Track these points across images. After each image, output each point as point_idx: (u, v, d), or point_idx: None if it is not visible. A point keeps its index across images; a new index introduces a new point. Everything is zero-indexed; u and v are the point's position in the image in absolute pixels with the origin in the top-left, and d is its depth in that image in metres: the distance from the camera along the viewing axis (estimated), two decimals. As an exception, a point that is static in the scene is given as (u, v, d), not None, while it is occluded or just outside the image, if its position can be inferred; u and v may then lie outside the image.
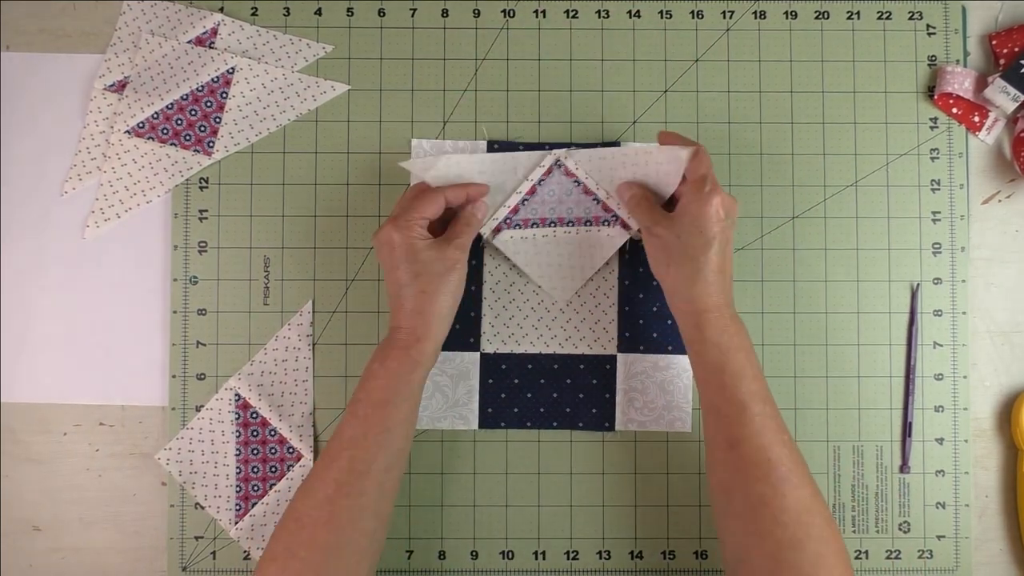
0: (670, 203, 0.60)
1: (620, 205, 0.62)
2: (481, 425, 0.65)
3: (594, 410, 0.65)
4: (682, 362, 0.65)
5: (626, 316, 0.65)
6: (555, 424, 0.65)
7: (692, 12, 0.67)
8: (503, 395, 0.65)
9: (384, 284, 0.65)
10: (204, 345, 0.65)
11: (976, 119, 0.66)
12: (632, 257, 0.65)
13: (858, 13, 0.67)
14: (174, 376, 0.65)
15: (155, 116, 0.65)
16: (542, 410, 0.65)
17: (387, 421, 0.54)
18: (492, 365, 0.65)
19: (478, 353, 0.65)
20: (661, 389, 0.65)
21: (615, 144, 0.66)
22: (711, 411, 0.54)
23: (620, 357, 0.65)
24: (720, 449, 0.53)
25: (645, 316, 0.65)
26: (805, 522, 0.49)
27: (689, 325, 0.55)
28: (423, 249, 0.56)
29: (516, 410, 0.65)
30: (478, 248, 0.65)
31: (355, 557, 0.53)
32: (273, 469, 0.64)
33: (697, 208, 0.54)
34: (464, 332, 0.65)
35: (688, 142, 0.58)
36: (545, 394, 0.65)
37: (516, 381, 0.65)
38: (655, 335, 0.65)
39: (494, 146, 0.66)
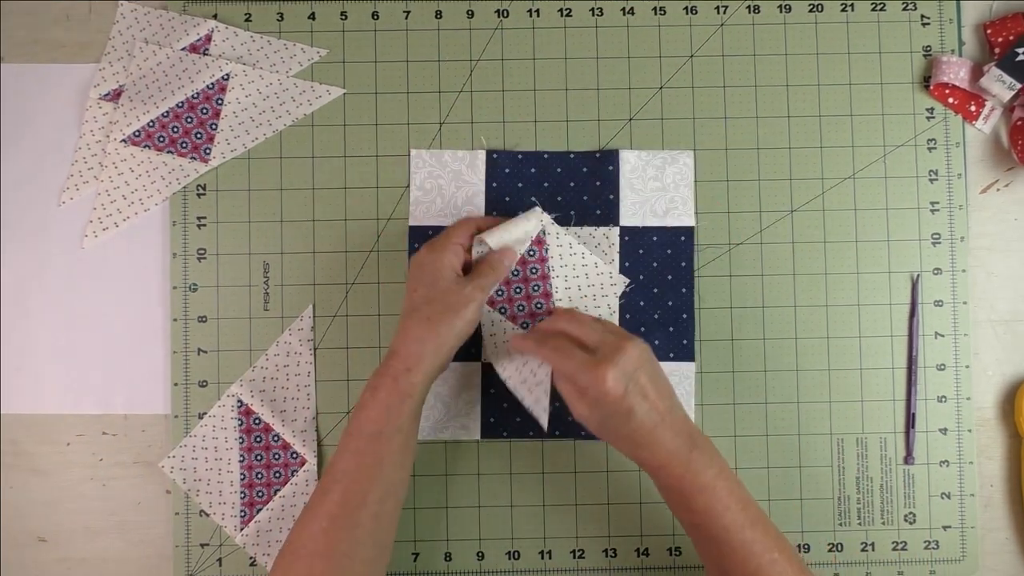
0: None
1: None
2: (483, 435, 0.65)
3: None
4: (683, 369, 0.65)
5: (627, 324, 0.65)
6: (558, 433, 0.65)
7: (686, 8, 0.67)
8: (505, 404, 0.65)
9: (383, 287, 0.65)
10: (205, 352, 0.65)
11: (972, 108, 0.66)
12: (632, 264, 0.65)
13: (852, 5, 0.67)
14: (176, 384, 0.65)
15: (151, 124, 0.65)
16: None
17: (379, 454, 0.53)
18: (494, 375, 0.65)
19: (479, 363, 0.65)
20: None
21: (614, 152, 0.65)
22: (695, 542, 0.54)
23: None
24: (713, 572, 0.53)
25: (646, 323, 0.65)
26: None
27: (653, 478, 0.54)
28: (445, 278, 0.56)
29: (518, 419, 0.65)
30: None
31: None
32: (277, 475, 0.64)
33: (595, 396, 0.50)
34: (465, 342, 0.65)
35: (539, 346, 0.54)
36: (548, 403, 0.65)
37: None
38: (656, 343, 0.65)
39: (492, 155, 0.66)
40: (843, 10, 0.67)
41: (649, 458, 0.52)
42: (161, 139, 0.65)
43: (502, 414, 0.65)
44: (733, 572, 0.51)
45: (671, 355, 0.65)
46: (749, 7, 0.67)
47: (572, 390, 0.52)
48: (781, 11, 0.67)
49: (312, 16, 0.67)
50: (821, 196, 0.66)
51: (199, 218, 0.66)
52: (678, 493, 0.52)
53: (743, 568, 0.51)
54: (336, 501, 0.52)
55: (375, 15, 0.67)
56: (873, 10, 0.67)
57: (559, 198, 0.65)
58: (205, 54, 0.66)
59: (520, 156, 0.66)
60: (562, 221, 0.65)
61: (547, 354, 0.54)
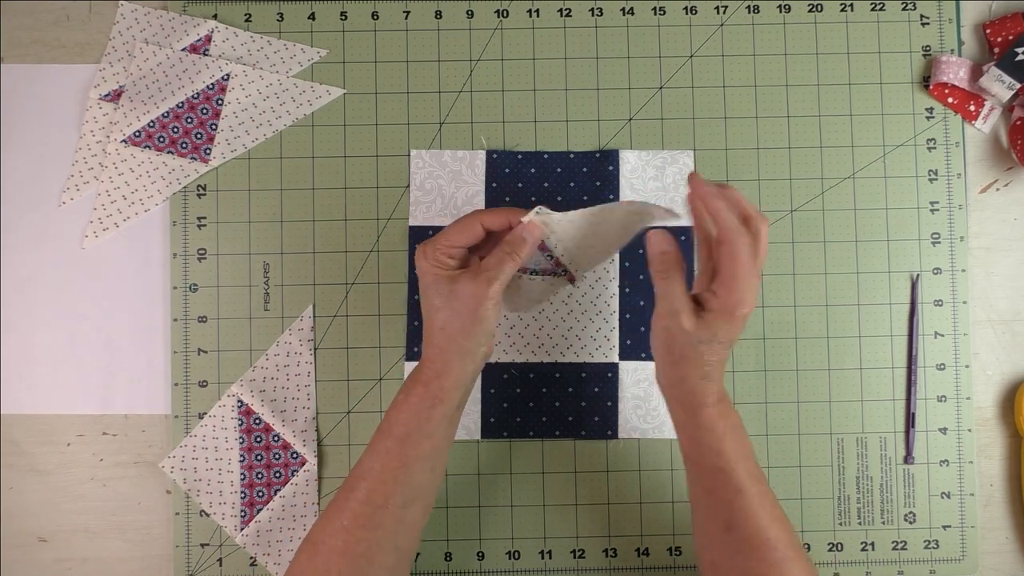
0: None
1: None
2: (484, 435, 0.65)
3: (596, 418, 0.65)
4: None
5: (627, 324, 0.65)
6: (558, 433, 0.65)
7: (686, 8, 0.67)
8: (505, 404, 0.65)
9: (383, 287, 0.66)
10: (205, 352, 0.65)
11: (972, 108, 0.66)
12: (632, 265, 0.65)
13: (852, 5, 0.67)
14: (176, 384, 0.65)
15: (151, 125, 0.65)
16: (544, 419, 0.65)
17: (405, 457, 0.52)
18: (494, 375, 0.65)
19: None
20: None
21: (614, 152, 0.65)
22: (704, 492, 0.52)
23: (622, 365, 0.65)
24: (717, 531, 0.51)
25: (646, 323, 0.65)
26: None
27: (681, 412, 0.53)
28: (447, 280, 0.53)
29: (518, 419, 0.65)
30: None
31: None
32: (278, 475, 0.64)
33: (732, 318, 0.49)
34: None
35: (725, 215, 0.50)
36: (547, 403, 0.65)
37: (518, 390, 0.65)
38: None
39: (492, 155, 0.66)
40: (843, 10, 0.67)
41: (701, 393, 0.51)
42: (161, 139, 0.66)
43: (502, 414, 0.65)
44: (740, 526, 0.50)
45: None
46: (749, 7, 0.67)
47: (683, 288, 0.51)
48: (781, 11, 0.67)
49: (312, 16, 0.67)
50: (821, 196, 0.66)
51: (199, 218, 0.66)
52: (710, 432, 0.51)
53: (749, 523, 0.50)
54: (360, 499, 0.52)
55: (375, 15, 0.67)
56: (873, 10, 0.67)
57: (559, 198, 0.66)
58: (205, 54, 0.66)
59: (520, 156, 0.66)
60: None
61: (729, 224, 0.49)
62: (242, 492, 0.64)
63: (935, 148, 0.66)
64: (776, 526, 0.50)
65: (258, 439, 0.65)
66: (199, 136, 0.66)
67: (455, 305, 0.52)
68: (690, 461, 0.53)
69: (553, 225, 0.54)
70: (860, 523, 0.65)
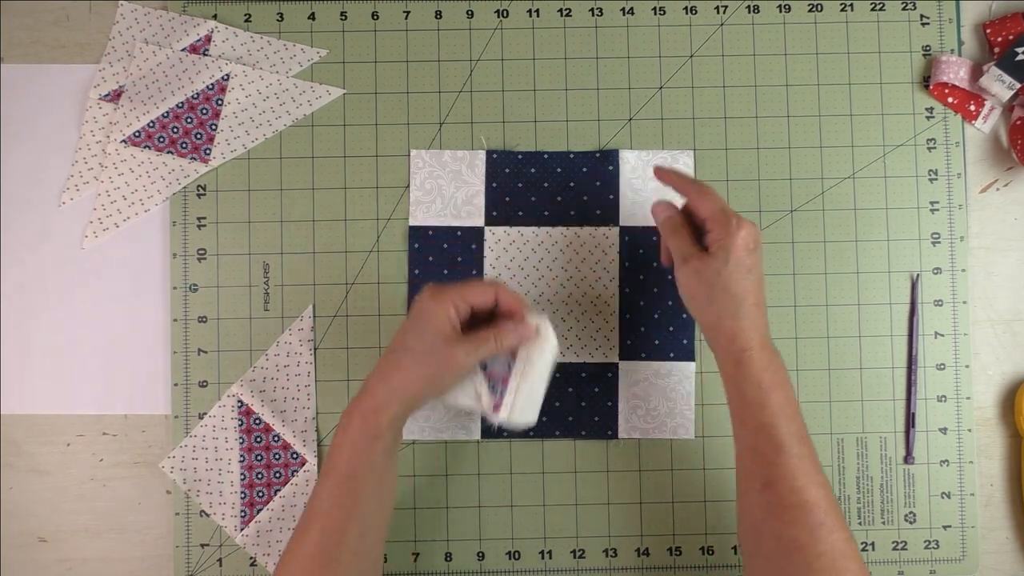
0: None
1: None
2: (484, 435, 0.65)
3: (596, 418, 0.65)
4: (684, 369, 0.65)
5: (627, 324, 0.65)
6: (558, 433, 0.65)
7: (686, 8, 0.67)
8: None
9: (383, 287, 0.65)
10: (205, 352, 0.65)
11: (972, 108, 0.66)
12: (632, 265, 0.65)
13: (852, 5, 0.67)
14: (176, 384, 0.65)
15: (151, 125, 0.65)
16: (544, 419, 0.65)
17: (355, 492, 0.52)
18: None
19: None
20: (663, 396, 0.65)
21: (614, 152, 0.65)
22: (747, 450, 0.52)
23: (622, 365, 0.65)
24: (754, 490, 0.51)
25: (646, 323, 0.65)
26: (840, 567, 0.48)
27: (730, 363, 0.53)
28: (440, 332, 0.53)
29: None
30: (479, 257, 0.65)
31: None
32: (278, 475, 0.64)
33: (730, 241, 0.52)
34: None
35: (686, 181, 0.57)
36: (547, 403, 0.65)
37: None
38: (656, 342, 0.65)
39: (492, 155, 0.66)
40: (843, 10, 0.67)
41: (742, 333, 0.52)
42: (161, 139, 0.65)
43: (502, 414, 0.65)
44: (777, 485, 0.50)
45: (671, 355, 0.65)
46: (749, 7, 0.67)
47: (688, 238, 0.55)
48: (781, 11, 0.67)
49: (312, 16, 0.67)
50: (821, 196, 0.66)
51: (199, 218, 0.66)
52: (753, 384, 0.52)
53: (787, 483, 0.50)
54: (314, 541, 0.52)
55: (375, 15, 0.67)
56: (873, 10, 0.67)
57: (559, 198, 0.66)
58: (205, 54, 0.66)
59: (520, 156, 0.66)
60: (562, 221, 0.65)
61: (689, 186, 0.56)
62: (242, 492, 0.64)
63: (935, 148, 0.66)
64: (815, 488, 0.50)
65: (258, 439, 0.65)
66: (199, 136, 0.66)
67: (434, 359, 0.53)
68: (737, 419, 0.53)
69: (540, 339, 0.55)
70: (860, 523, 0.65)
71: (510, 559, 0.64)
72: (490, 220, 0.65)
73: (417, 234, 0.65)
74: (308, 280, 0.66)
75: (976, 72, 0.65)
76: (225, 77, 0.66)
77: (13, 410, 0.66)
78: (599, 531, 0.65)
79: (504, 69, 0.67)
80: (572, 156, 0.66)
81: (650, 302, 0.65)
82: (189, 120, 0.66)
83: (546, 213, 0.65)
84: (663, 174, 0.58)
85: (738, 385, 0.53)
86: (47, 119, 0.66)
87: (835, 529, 0.49)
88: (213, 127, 0.66)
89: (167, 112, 0.65)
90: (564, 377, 0.65)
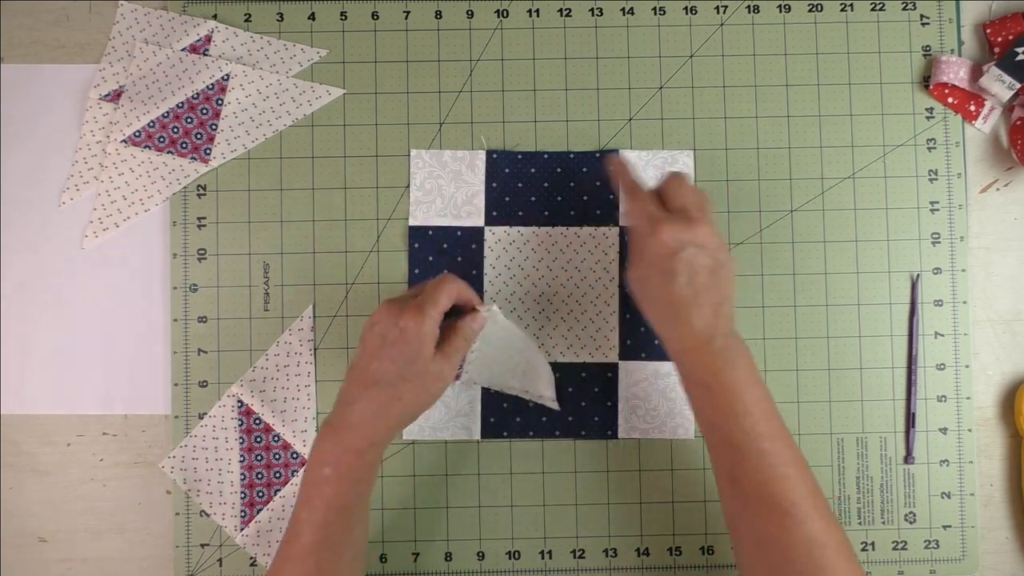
0: None
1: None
2: (484, 435, 0.65)
3: (596, 418, 0.65)
4: None
5: (627, 324, 0.65)
6: (557, 433, 0.65)
7: (686, 8, 0.67)
8: (505, 404, 0.65)
9: (383, 287, 0.65)
10: (205, 352, 0.65)
11: (972, 108, 0.66)
12: None
13: (852, 5, 0.67)
14: (176, 384, 0.65)
15: (151, 125, 0.65)
16: (544, 419, 0.65)
17: (348, 524, 0.53)
18: None
19: None
20: (663, 396, 0.65)
21: (614, 152, 0.65)
22: (711, 447, 0.52)
23: (622, 365, 0.65)
24: (723, 483, 0.51)
25: (646, 323, 0.65)
26: (816, 555, 0.47)
27: (676, 364, 0.54)
28: (425, 356, 0.52)
29: (518, 419, 0.65)
30: (479, 257, 0.65)
31: None
32: (278, 475, 0.64)
33: (645, 246, 0.52)
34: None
35: (624, 181, 0.58)
36: None
37: None
38: (656, 342, 0.65)
39: (492, 155, 0.66)
40: (843, 10, 0.67)
41: (675, 336, 0.52)
42: (161, 139, 0.66)
43: (502, 414, 0.65)
44: (742, 480, 0.50)
45: None
46: (749, 7, 0.67)
47: (633, 236, 0.55)
48: (781, 11, 0.67)
49: (312, 16, 0.67)
50: (821, 196, 0.66)
51: (199, 218, 0.66)
52: (697, 384, 0.51)
53: (752, 477, 0.49)
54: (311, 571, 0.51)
55: (375, 15, 0.67)
56: (873, 10, 0.67)
57: (559, 198, 0.66)
58: (205, 54, 0.66)
59: (520, 156, 0.66)
60: (562, 221, 0.65)
61: (624, 188, 0.58)
62: (242, 492, 0.64)
63: (935, 148, 0.66)
64: (779, 481, 0.49)
65: (258, 439, 0.65)
66: (199, 136, 0.66)
67: (426, 382, 0.53)
68: (696, 418, 0.54)
69: (492, 322, 0.57)
70: (860, 523, 0.65)
71: (510, 559, 0.64)
72: (490, 220, 0.66)
73: (417, 234, 0.65)
74: (308, 280, 0.66)
75: (976, 72, 0.65)
76: (225, 77, 0.66)
77: (13, 410, 0.66)
78: (599, 531, 0.65)
79: (504, 69, 0.67)
80: (572, 156, 0.66)
81: None
82: (189, 120, 0.66)
83: (546, 213, 0.65)
84: (617, 166, 0.60)
85: (685, 386, 0.53)
86: (47, 119, 0.66)
87: (805, 519, 0.48)
88: (213, 127, 0.66)
89: (167, 112, 0.65)
90: (564, 377, 0.65)
